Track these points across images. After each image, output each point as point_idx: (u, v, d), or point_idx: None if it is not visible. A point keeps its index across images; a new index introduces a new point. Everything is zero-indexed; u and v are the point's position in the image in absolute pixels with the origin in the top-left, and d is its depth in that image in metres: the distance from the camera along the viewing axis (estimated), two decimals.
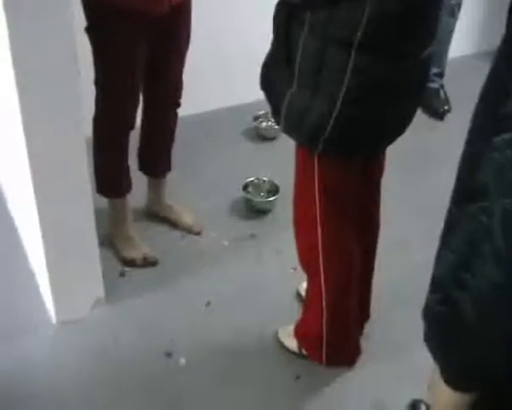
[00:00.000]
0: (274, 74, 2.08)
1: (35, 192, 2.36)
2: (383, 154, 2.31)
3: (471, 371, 0.98)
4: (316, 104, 1.95)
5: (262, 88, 2.15)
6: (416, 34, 1.92)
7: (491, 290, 0.88)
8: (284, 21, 1.98)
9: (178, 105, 2.93)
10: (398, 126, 2.13)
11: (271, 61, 2.10)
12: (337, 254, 2.28)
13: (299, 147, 2.17)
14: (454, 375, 1.01)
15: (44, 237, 2.45)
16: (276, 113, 2.10)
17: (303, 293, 2.64)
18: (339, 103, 1.91)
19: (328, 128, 1.95)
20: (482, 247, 0.89)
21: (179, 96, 2.91)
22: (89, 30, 2.54)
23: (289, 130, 2.09)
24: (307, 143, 2.08)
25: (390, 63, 1.90)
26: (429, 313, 0.99)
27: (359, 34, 1.81)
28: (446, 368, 1.01)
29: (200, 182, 3.42)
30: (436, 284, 0.99)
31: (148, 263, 2.92)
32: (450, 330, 0.95)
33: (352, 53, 1.84)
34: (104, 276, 2.69)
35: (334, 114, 1.93)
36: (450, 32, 4.02)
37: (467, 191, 0.94)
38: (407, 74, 1.97)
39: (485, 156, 0.90)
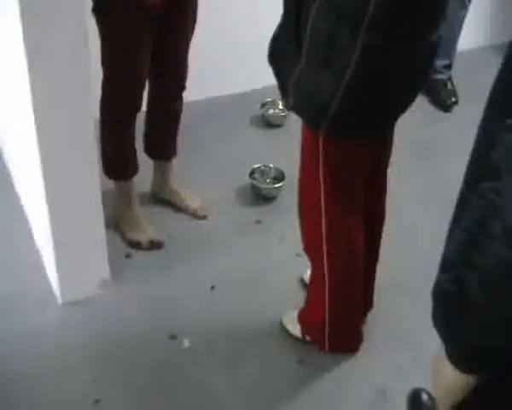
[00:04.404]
0: (283, 49, 2.07)
1: (43, 173, 2.37)
2: (390, 142, 2.31)
3: (477, 351, 0.99)
4: (323, 83, 1.93)
5: (270, 62, 2.13)
6: (428, 16, 1.91)
7: (499, 270, 0.88)
8: None
9: (184, 88, 2.93)
10: (400, 107, 2.11)
11: (281, 34, 2.08)
12: (341, 240, 2.29)
13: (305, 131, 2.17)
14: (460, 355, 1.02)
15: (51, 217, 2.46)
16: (282, 89, 2.09)
17: (307, 280, 2.65)
18: (345, 83, 1.89)
19: (333, 108, 1.94)
20: (492, 226, 0.89)
21: (184, 80, 2.90)
22: (95, 11, 2.54)
23: (297, 107, 2.08)
24: (313, 121, 2.07)
25: (401, 44, 1.89)
26: (438, 292, 1.00)
27: (370, 12, 1.79)
28: (452, 348, 1.02)
29: (207, 167, 3.43)
30: (446, 263, 0.99)
31: (154, 246, 2.93)
32: (457, 309, 0.96)
33: (362, 31, 1.82)
34: (110, 257, 2.71)
35: (339, 94, 1.91)
36: (460, 23, 4.00)
37: (479, 171, 0.95)
38: (416, 57, 1.96)
39: (498, 138, 0.91)
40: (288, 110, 2.18)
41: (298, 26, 1.96)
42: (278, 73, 2.11)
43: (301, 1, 1.94)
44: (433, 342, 1.14)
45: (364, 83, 1.92)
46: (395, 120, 2.16)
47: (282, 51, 2.08)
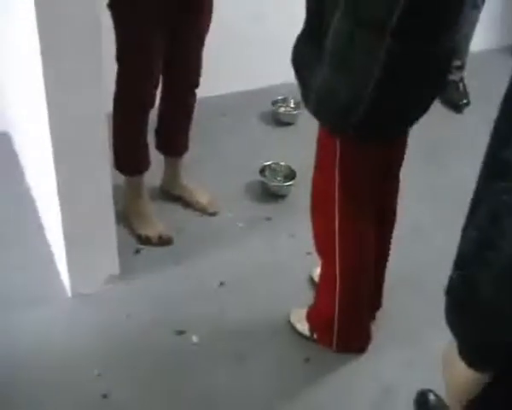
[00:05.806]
0: (305, 51, 2.06)
1: (55, 166, 2.38)
2: (404, 143, 2.31)
3: (488, 348, 0.99)
4: (347, 87, 1.92)
5: (292, 64, 2.11)
6: (451, 21, 1.90)
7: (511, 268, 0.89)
8: None
9: (197, 86, 2.94)
10: (419, 111, 2.11)
11: (304, 36, 2.07)
12: (353, 239, 2.29)
13: (322, 132, 2.16)
14: (471, 351, 1.02)
15: (62, 211, 2.47)
16: (305, 92, 2.08)
17: (316, 278, 2.66)
18: (371, 89, 1.88)
19: (361, 113, 1.92)
20: (505, 225, 0.89)
21: (198, 77, 2.91)
22: (110, 6, 2.55)
23: (318, 112, 2.06)
24: (337, 127, 2.06)
25: (424, 49, 1.88)
26: (451, 288, 1.01)
27: (395, 18, 1.77)
28: (464, 344, 1.02)
29: (218, 164, 3.44)
30: (459, 261, 1.00)
31: (163, 241, 2.94)
32: (469, 306, 0.96)
33: (387, 37, 1.81)
34: (119, 252, 2.72)
35: (366, 100, 1.90)
36: (473, 24, 3.98)
37: (492, 170, 0.96)
38: (435, 61, 1.96)
39: (511, 138, 0.91)
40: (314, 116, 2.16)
41: (321, 29, 1.94)
42: (300, 76, 2.09)
43: (324, 3, 1.92)
44: (441, 341, 1.15)
45: (390, 88, 1.91)
46: (413, 123, 2.16)
47: (304, 54, 2.06)
